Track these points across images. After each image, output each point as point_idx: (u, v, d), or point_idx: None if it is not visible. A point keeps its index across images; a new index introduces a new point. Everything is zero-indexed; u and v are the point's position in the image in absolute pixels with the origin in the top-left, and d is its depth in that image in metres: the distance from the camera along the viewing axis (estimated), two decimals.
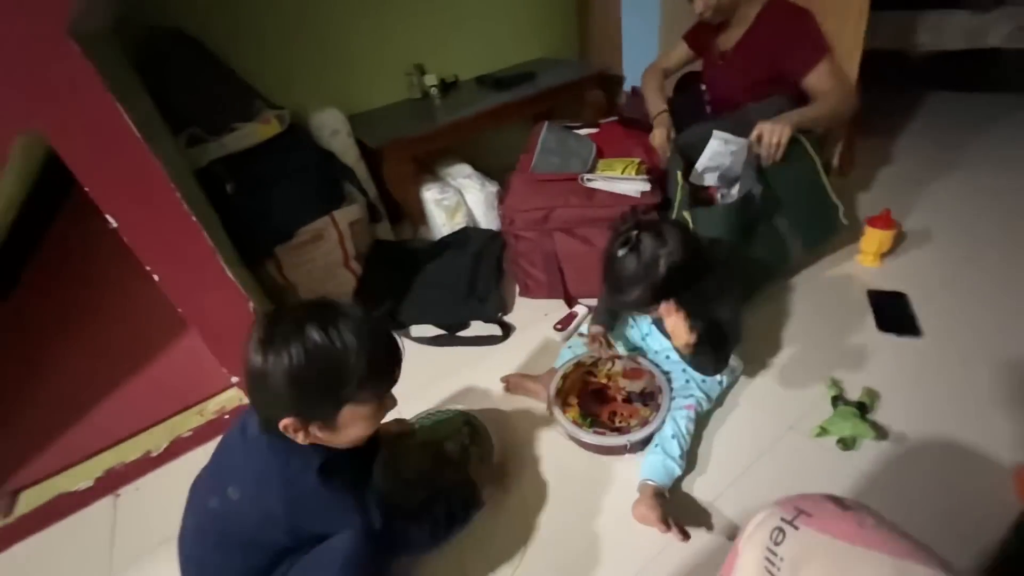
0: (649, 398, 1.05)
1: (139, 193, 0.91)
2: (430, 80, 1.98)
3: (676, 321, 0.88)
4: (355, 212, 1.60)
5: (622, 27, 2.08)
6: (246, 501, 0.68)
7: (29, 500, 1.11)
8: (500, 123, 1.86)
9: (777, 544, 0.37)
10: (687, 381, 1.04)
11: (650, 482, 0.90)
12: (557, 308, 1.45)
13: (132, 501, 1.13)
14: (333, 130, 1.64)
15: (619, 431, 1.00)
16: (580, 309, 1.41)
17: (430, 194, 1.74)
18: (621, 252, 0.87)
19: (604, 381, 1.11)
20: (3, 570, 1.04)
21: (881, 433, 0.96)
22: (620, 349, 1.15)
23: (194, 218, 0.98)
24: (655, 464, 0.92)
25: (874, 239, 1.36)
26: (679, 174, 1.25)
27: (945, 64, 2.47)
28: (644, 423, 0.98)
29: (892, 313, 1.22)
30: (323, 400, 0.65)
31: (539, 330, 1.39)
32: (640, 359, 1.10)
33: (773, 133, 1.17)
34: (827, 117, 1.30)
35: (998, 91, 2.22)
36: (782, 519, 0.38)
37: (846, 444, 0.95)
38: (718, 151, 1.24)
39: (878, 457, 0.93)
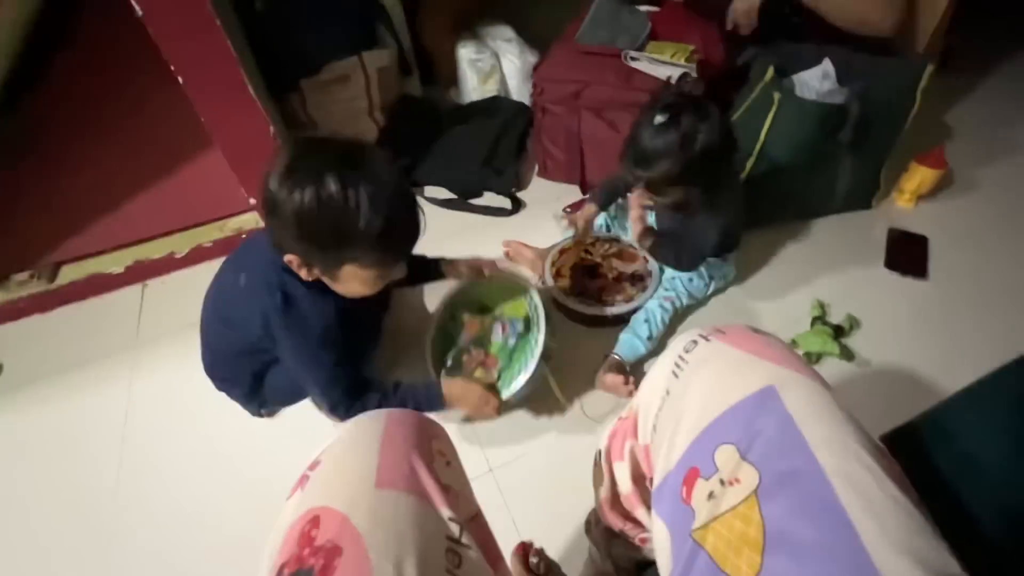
0: (638, 280, 1.10)
1: None
2: None
3: (637, 215, 0.97)
4: (385, 58, 1.53)
5: None
6: (247, 291, 0.76)
7: (68, 274, 1.25)
8: None
9: (687, 352, 0.41)
10: (673, 277, 1.08)
11: (615, 356, 0.98)
12: (572, 194, 1.45)
13: (159, 291, 1.26)
14: None
15: (604, 304, 1.06)
16: None
17: (465, 52, 1.64)
18: (660, 119, 0.83)
19: (599, 260, 1.15)
20: (47, 327, 1.21)
21: (847, 355, 1.00)
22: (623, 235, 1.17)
23: (218, 21, 0.95)
24: (624, 341, 1.00)
25: (917, 177, 1.28)
26: (771, 68, 1.11)
27: None
28: (628, 300, 1.03)
29: (905, 253, 1.20)
30: (325, 251, 0.66)
31: (549, 210, 1.40)
32: (635, 245, 1.13)
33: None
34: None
35: None
36: (700, 334, 0.43)
37: (810, 358, 1.00)
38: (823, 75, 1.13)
39: (837, 374, 0.98)
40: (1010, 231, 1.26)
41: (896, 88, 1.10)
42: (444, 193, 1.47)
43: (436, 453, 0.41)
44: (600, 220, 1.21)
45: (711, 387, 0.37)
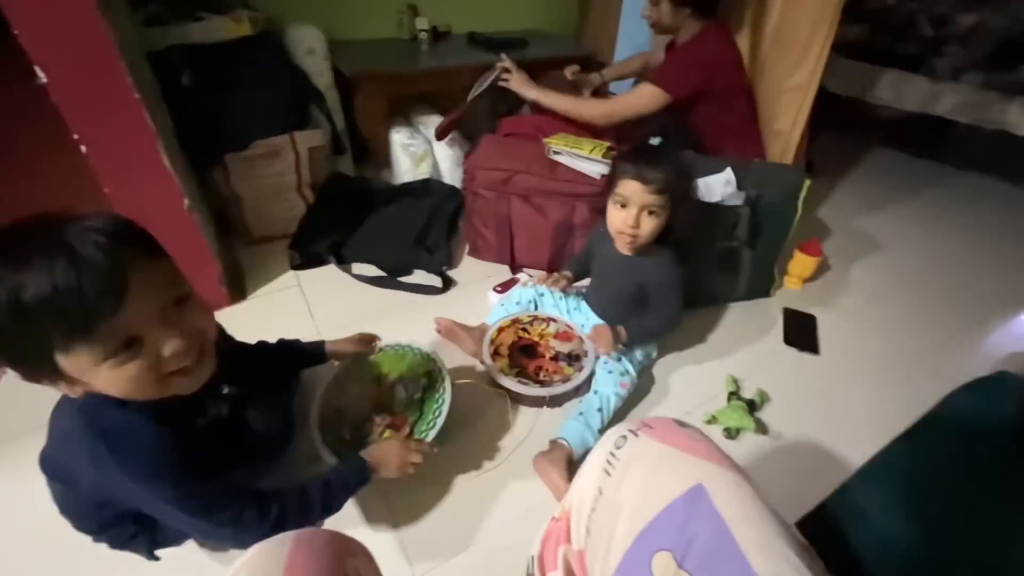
0: (575, 360, 1.11)
1: (77, 48, 0.85)
2: (422, 24, 1.93)
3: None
4: (318, 138, 1.55)
5: (620, 16, 2.10)
6: (64, 449, 0.60)
7: None
8: None
9: (618, 448, 0.42)
10: (619, 359, 1.08)
11: (563, 441, 0.94)
12: (501, 273, 1.48)
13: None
14: (309, 48, 1.58)
15: (542, 384, 1.05)
16: (522, 277, 1.45)
17: (399, 136, 1.71)
18: (655, 140, 0.99)
19: (536, 339, 1.16)
20: None
21: (761, 428, 1.06)
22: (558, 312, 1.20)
23: (137, 94, 0.92)
24: (574, 429, 0.97)
25: (800, 263, 1.47)
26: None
27: (900, 124, 2.67)
28: (566, 380, 1.03)
29: (798, 330, 1.33)
30: (25, 359, 0.49)
31: (479, 290, 1.42)
32: (572, 325, 1.16)
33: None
34: (569, 111, 1.43)
35: (939, 160, 2.43)
36: (628, 429, 0.43)
37: (730, 433, 1.04)
38: (726, 181, 1.30)
39: (754, 448, 1.03)
40: (879, 307, 1.46)
41: (783, 196, 1.29)
42: (373, 270, 1.45)
43: (352, 573, 0.36)
44: (529, 295, 1.24)
45: (643, 487, 0.38)
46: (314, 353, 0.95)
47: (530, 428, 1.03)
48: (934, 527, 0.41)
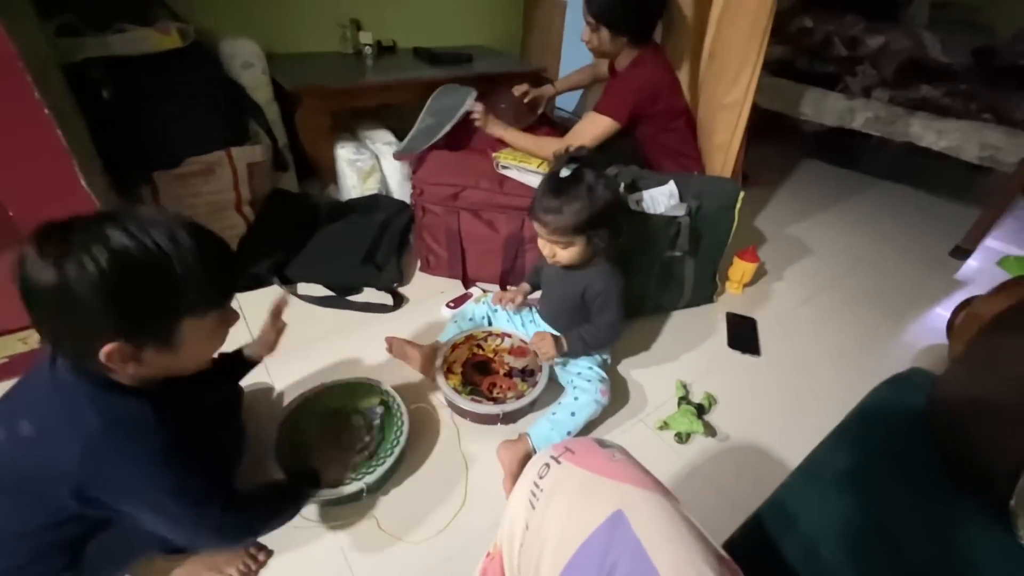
0: (529, 375, 1.11)
1: None
2: (365, 38, 1.91)
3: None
4: (257, 154, 1.49)
5: (564, 34, 2.16)
6: (39, 441, 0.57)
7: None
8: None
9: (541, 478, 0.41)
10: (590, 367, 1.08)
11: (529, 438, 0.96)
12: (455, 288, 1.47)
13: None
14: (246, 62, 1.52)
15: (495, 401, 1.04)
16: (476, 292, 1.44)
17: (344, 152, 1.67)
18: (565, 171, 0.93)
19: (490, 355, 1.15)
20: None
21: (710, 431, 1.09)
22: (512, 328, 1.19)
23: (47, 110, 0.85)
24: (542, 429, 0.97)
25: (739, 269, 1.54)
26: (623, 185, 1.30)
27: (823, 137, 2.90)
28: (519, 396, 1.02)
29: (741, 334, 1.40)
30: (152, 317, 0.55)
31: (432, 306, 1.40)
32: (525, 339, 1.15)
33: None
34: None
35: (857, 170, 2.65)
36: (551, 456, 0.43)
37: (681, 438, 1.07)
38: (669, 193, 1.34)
39: (704, 451, 1.06)
40: (811, 308, 1.55)
41: (720, 206, 1.35)
42: (320, 290, 1.40)
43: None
44: (482, 310, 1.23)
45: (564, 518, 0.38)
46: (239, 360, 0.89)
47: (486, 452, 1.01)
48: (857, 528, 0.44)
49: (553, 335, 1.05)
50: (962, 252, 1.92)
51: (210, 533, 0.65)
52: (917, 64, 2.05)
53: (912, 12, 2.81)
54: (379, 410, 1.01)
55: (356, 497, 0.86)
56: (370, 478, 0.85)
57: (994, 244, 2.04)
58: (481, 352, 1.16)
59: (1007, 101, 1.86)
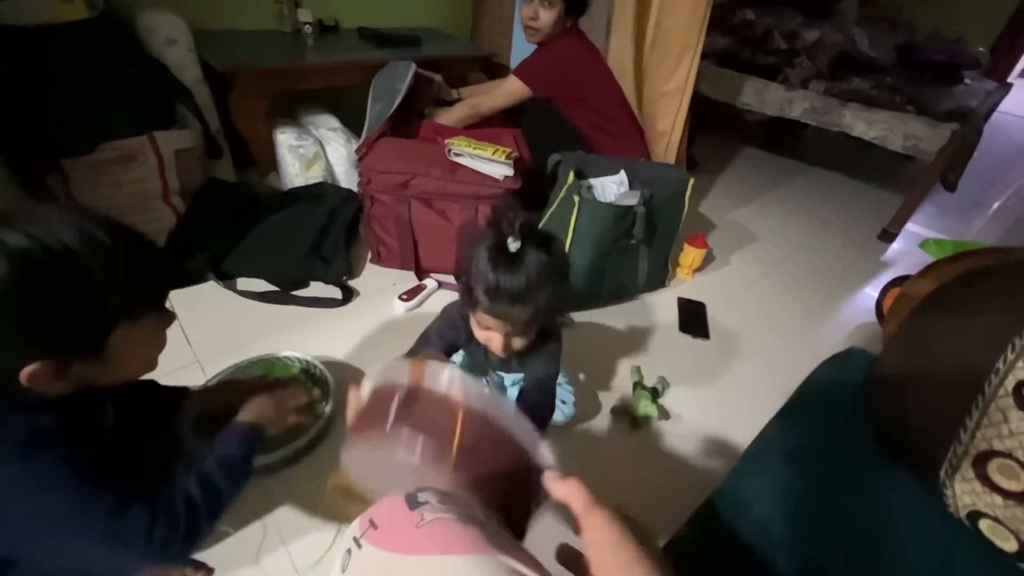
0: None
1: None
2: (304, 16, 1.79)
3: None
4: (186, 139, 1.37)
5: (515, 15, 2.12)
6: None
7: None
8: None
9: (344, 571, 0.34)
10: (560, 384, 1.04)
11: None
12: (407, 280, 1.42)
13: None
14: (168, 39, 1.39)
15: None
16: (430, 283, 1.40)
17: (284, 138, 1.57)
18: (515, 245, 0.69)
19: None
20: None
21: (664, 414, 1.12)
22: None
23: None
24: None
25: (689, 255, 1.58)
26: (572, 173, 1.29)
27: (765, 127, 3.03)
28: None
29: (691, 318, 1.44)
30: (78, 326, 0.50)
31: (384, 299, 1.35)
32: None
33: None
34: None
35: (796, 158, 2.79)
36: (354, 537, 0.35)
37: (636, 422, 1.09)
38: (620, 182, 1.34)
39: (659, 434, 1.09)
40: (756, 292, 1.62)
41: (671, 193, 1.37)
42: (263, 285, 1.31)
43: None
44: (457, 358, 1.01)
45: None
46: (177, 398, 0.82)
47: None
48: (803, 505, 0.45)
49: None
50: (888, 235, 2.06)
51: (158, 545, 0.56)
52: (848, 58, 2.16)
53: (843, 8, 2.97)
54: (316, 392, 0.99)
55: (310, 447, 0.89)
56: (320, 421, 0.89)
57: (915, 228, 2.20)
58: None
59: (926, 94, 1.99)
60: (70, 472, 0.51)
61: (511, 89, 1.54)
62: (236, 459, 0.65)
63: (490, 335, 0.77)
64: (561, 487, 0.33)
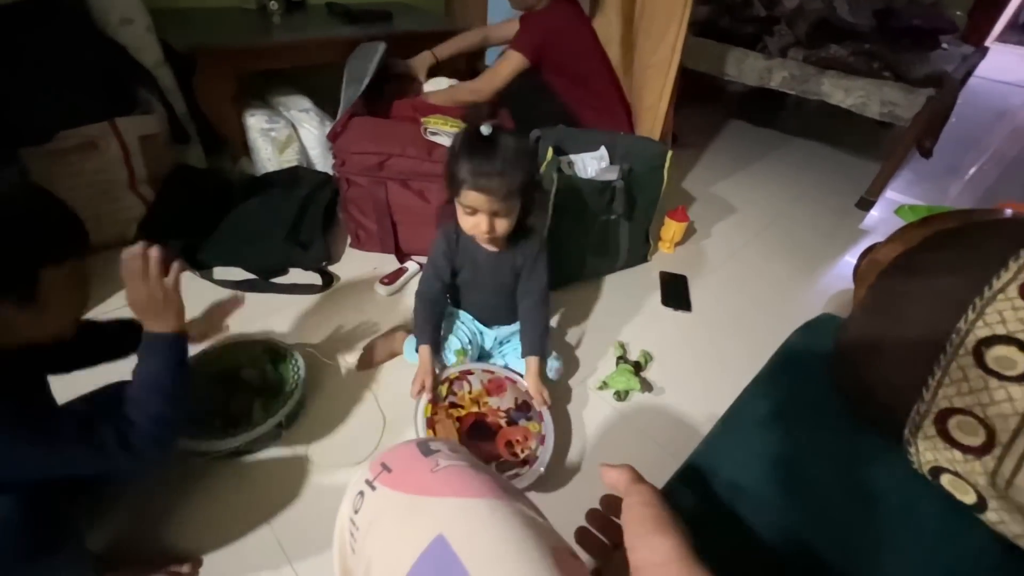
0: (525, 408, 0.96)
1: None
2: None
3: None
4: (150, 125, 1.33)
5: None
6: None
7: None
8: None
9: (356, 512, 0.36)
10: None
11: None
12: (388, 263, 1.41)
13: None
14: (124, 18, 1.32)
15: (525, 461, 0.87)
16: (411, 265, 1.39)
17: (255, 121, 1.53)
18: (487, 129, 0.81)
19: (475, 410, 0.94)
20: None
21: (647, 387, 1.14)
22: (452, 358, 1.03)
23: None
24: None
25: (670, 229, 1.59)
26: (551, 149, 1.27)
27: (746, 98, 3.02)
28: (541, 439, 0.91)
29: (673, 291, 1.45)
30: (10, 262, 0.51)
31: (365, 284, 1.33)
32: (489, 367, 1.02)
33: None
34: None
35: (776, 129, 2.79)
36: (365, 481, 0.37)
37: (620, 396, 1.10)
38: (600, 157, 1.33)
39: (642, 406, 1.10)
40: (736, 263, 1.64)
41: (650, 167, 1.36)
42: (240, 274, 1.29)
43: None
44: (454, 349, 1.02)
45: (384, 560, 0.33)
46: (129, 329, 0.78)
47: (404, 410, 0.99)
48: (774, 468, 0.47)
49: (533, 374, 0.97)
50: (866, 203, 2.08)
51: (143, 440, 0.60)
52: (827, 24, 2.14)
53: None
54: (266, 359, 0.99)
55: (276, 435, 0.91)
56: (284, 409, 0.89)
57: (892, 195, 2.23)
58: (462, 411, 0.94)
59: (903, 60, 1.99)
60: (22, 415, 0.53)
61: (511, 62, 1.48)
62: (165, 369, 0.66)
63: (477, 219, 0.87)
64: (613, 472, 0.37)
